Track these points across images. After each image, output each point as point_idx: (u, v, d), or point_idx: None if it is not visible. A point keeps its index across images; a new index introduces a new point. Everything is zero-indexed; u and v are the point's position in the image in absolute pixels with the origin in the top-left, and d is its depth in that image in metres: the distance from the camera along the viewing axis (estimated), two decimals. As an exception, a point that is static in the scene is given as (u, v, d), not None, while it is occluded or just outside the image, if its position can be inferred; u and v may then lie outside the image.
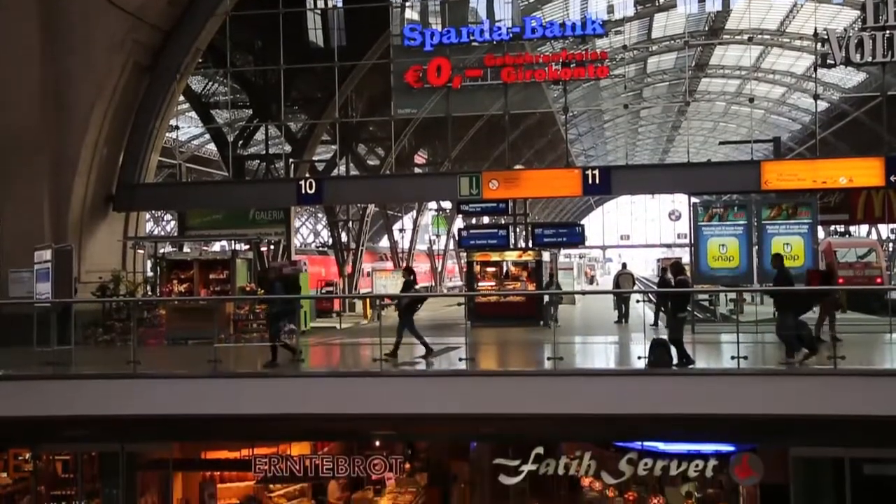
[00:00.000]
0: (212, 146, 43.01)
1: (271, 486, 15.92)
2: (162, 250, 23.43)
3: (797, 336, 12.90)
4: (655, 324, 21.37)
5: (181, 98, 26.49)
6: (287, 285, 15.47)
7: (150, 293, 21.83)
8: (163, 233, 62.93)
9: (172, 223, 60.36)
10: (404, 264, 48.46)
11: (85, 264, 20.35)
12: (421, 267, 56.83)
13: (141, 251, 23.37)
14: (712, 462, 12.78)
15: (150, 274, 23.51)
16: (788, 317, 13.20)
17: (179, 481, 15.36)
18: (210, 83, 32.30)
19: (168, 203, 28.07)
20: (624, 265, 26.03)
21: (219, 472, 15.77)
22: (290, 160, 28.89)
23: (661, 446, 13.28)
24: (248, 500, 15.63)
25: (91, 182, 21.04)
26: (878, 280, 26.59)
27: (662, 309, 17.13)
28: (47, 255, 17.93)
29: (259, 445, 14.55)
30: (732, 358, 12.06)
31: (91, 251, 21.04)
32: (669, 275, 15.47)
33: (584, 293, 34.63)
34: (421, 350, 16.74)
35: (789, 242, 18.63)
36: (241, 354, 17.23)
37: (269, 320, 15.37)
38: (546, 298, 22.55)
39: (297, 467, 14.06)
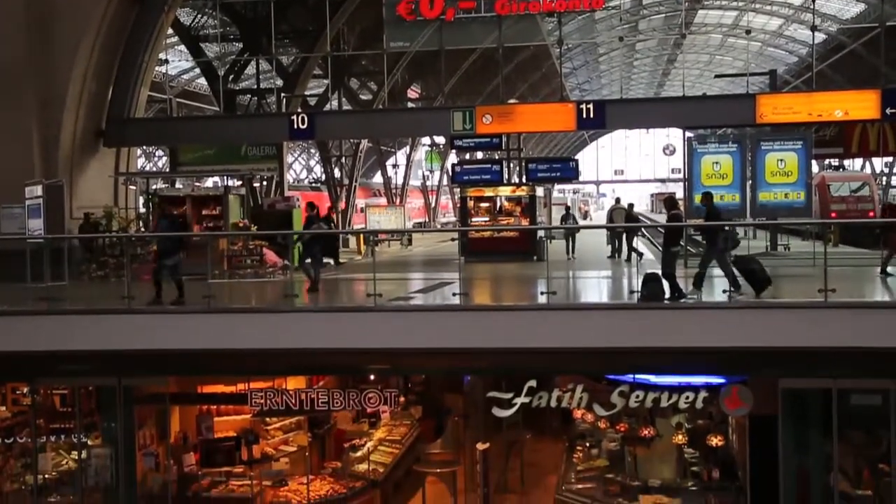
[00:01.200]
0: (202, 81, 42.51)
1: (267, 419, 16.15)
2: (154, 186, 23.30)
3: (749, 270, 12.89)
4: (613, 255, 21.46)
5: (170, 31, 26.07)
6: (173, 222, 15.17)
7: (142, 229, 21.79)
8: (154, 169, 62.61)
9: (164, 159, 60.02)
10: (398, 200, 48.43)
11: (77, 200, 20.27)
12: (414, 203, 56.78)
13: (133, 187, 23.26)
14: (703, 394, 12.95)
15: (142, 210, 23.44)
16: (712, 252, 13.19)
17: (177, 415, 15.56)
18: (199, 15, 31.79)
19: (159, 138, 27.81)
20: (617, 200, 26.00)
21: (215, 406, 15.96)
22: (282, 95, 28.62)
23: (653, 379, 13.44)
24: (245, 433, 15.86)
25: (80, 117, 20.83)
26: (871, 214, 26.66)
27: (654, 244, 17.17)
28: (38, 190, 17.84)
29: (255, 380, 14.69)
30: (724, 291, 12.13)
31: (82, 187, 20.94)
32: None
33: (585, 227, 34.56)
34: (415, 286, 16.87)
35: (783, 158, 18.54)
36: (236, 290, 17.28)
37: (155, 257, 14.86)
38: (540, 233, 22.59)
39: (293, 401, 14.21)
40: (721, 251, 13.48)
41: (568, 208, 28.20)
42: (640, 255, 19.19)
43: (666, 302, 12.48)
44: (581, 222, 47.85)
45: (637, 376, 13.27)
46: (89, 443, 15.02)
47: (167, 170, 33.41)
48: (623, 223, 22.14)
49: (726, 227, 14.03)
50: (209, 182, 33.15)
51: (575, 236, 24.13)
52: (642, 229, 28.24)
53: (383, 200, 49.51)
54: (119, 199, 22.36)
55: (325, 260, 20.26)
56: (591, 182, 78.24)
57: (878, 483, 13.51)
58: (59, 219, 17.77)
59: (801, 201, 18.44)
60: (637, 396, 12.99)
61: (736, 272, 12.94)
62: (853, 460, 14.11)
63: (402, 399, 17.63)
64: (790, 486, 13.13)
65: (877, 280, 16.02)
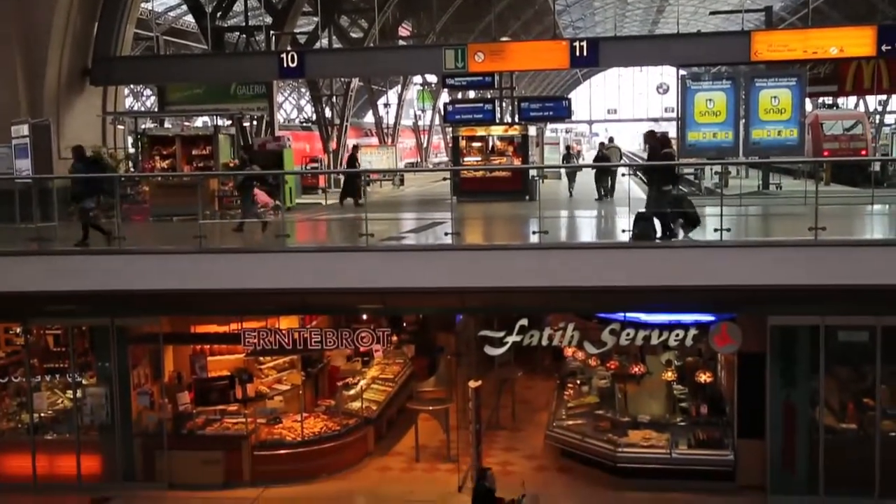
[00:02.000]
0: (189, 18, 41.73)
1: (261, 358, 16.27)
2: (143, 126, 23.03)
3: (682, 212, 12.89)
4: (600, 198, 21.37)
5: (155, -34, 25.54)
6: (89, 165, 14.97)
7: (132, 169, 21.62)
8: (143, 108, 61.87)
9: (152, 98, 59.27)
10: (389, 140, 48.11)
11: (64, 140, 20.04)
12: (406, 143, 56.43)
13: (121, 127, 23.01)
14: (692, 331, 13.07)
15: (131, 150, 23.23)
16: (652, 190, 13.17)
17: (170, 354, 15.66)
18: (185, -50, 31.08)
19: (146, 77, 27.44)
20: (611, 139, 25.88)
21: (209, 346, 16.06)
22: (271, 32, 28.15)
23: (643, 317, 13.54)
24: (239, 372, 15.99)
25: (66, 54, 20.49)
26: (863, 152, 26.60)
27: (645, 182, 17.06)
28: (24, 129, 17.62)
29: (248, 319, 14.75)
30: (715, 230, 12.14)
31: (69, 127, 20.70)
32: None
33: (580, 167, 34.24)
34: (407, 225, 16.83)
35: (777, 96, 18.41)
36: (227, 230, 17.22)
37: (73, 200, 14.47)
38: (532, 173, 22.53)
39: (286, 340, 14.30)
40: (664, 192, 13.42)
41: (569, 148, 28.12)
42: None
43: (657, 241, 12.49)
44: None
45: (628, 315, 13.36)
46: (84, 382, 15.14)
47: (155, 109, 33.03)
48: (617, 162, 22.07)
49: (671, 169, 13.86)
50: (199, 122, 32.86)
51: (575, 175, 24.14)
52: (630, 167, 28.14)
53: (375, 140, 49.16)
54: (107, 139, 22.13)
55: (349, 199, 20.74)
56: (583, 121, 77.73)
57: (862, 417, 13.75)
58: (46, 159, 17.58)
59: (793, 139, 18.33)
60: (628, 334, 13.10)
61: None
62: (838, 395, 14.35)
63: (394, 338, 17.77)
64: (776, 420, 13.37)
65: (867, 218, 16.09)
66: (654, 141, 13.91)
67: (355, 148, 26.88)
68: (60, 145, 19.60)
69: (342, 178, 23.09)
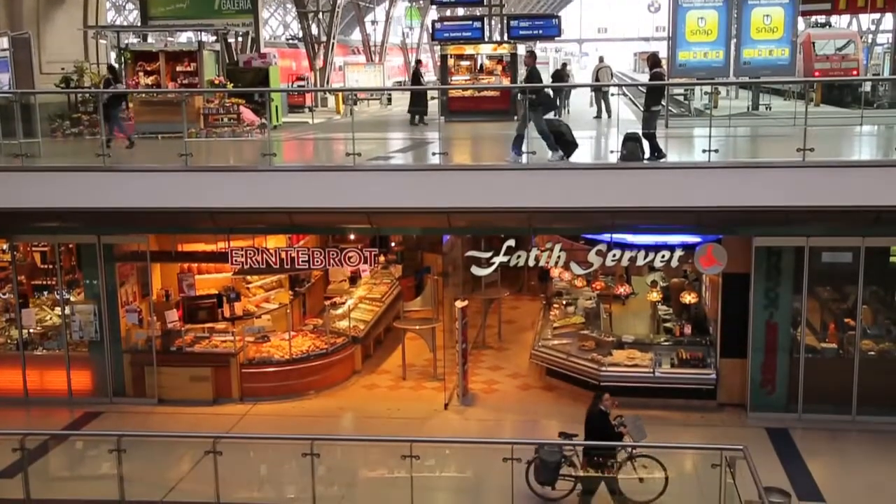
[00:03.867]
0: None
1: (249, 277, 16.32)
2: (126, 41, 22.57)
3: (558, 133, 12.89)
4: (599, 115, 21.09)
5: None
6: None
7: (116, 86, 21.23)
8: (125, 23, 60.53)
9: (135, 13, 57.99)
10: (377, 59, 47.42)
11: (45, 55, 19.67)
12: (394, 61, 55.60)
13: (103, 41, 22.54)
14: (678, 253, 13.13)
15: (115, 65, 22.79)
16: (526, 114, 13.14)
17: (158, 272, 15.68)
18: None
19: (127, -11, 26.77)
20: (601, 59, 25.55)
21: (196, 265, 16.07)
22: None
23: (630, 238, 13.59)
24: (227, 291, 16.05)
25: (44, -36, 19.95)
26: (855, 72, 26.34)
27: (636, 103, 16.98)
28: (4, 42, 17.24)
29: (235, 238, 14.73)
30: (704, 152, 12.11)
31: (50, 41, 20.28)
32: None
33: (572, 87, 33.81)
34: (395, 145, 16.69)
35: (769, 14, 18.14)
36: (213, 148, 17.08)
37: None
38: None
39: (273, 259, 14.30)
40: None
41: (564, 65, 27.66)
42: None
43: (645, 162, 12.46)
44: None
45: (614, 236, 13.41)
46: (72, 299, 15.19)
47: (138, 23, 32.31)
48: (609, 82, 21.84)
49: (546, 91, 13.75)
50: (183, 38, 32.19)
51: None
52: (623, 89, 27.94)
53: (362, 58, 48.39)
54: (90, 54, 21.70)
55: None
56: (573, 41, 76.69)
57: (842, 337, 13.99)
58: (27, 73, 17.26)
59: (785, 59, 18.11)
60: (614, 255, 13.15)
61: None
62: (820, 315, 14.57)
63: (381, 258, 17.82)
64: (758, 340, 13.58)
65: (855, 139, 16.07)
66: (651, 63, 13.92)
67: (418, 63, 26.31)
68: (42, 59, 19.23)
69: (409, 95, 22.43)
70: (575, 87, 30.81)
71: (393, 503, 10.48)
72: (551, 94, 13.64)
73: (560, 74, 26.60)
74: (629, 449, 10.52)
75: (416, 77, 24.19)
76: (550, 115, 13.94)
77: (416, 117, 21.06)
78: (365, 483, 11.94)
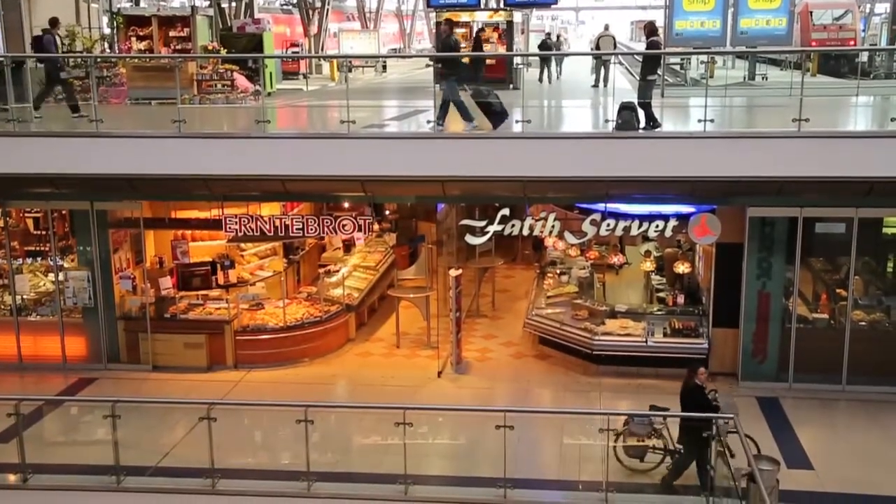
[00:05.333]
0: None
1: (243, 245, 16.30)
2: (118, 5, 22.37)
3: (486, 103, 12.80)
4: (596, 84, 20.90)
5: None
6: None
7: (108, 50, 21.09)
8: (117, -12, 59.85)
9: (127, -23, 57.26)
10: (372, 25, 47.11)
11: (36, 18, 19.45)
12: (389, 28, 55.22)
13: (95, 5, 22.33)
14: (672, 223, 13.13)
15: (106, 31, 22.61)
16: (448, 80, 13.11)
17: (152, 239, 15.66)
18: None
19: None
20: (606, 27, 25.36)
21: (190, 232, 16.05)
22: None
23: (624, 208, 13.59)
24: (221, 258, 16.04)
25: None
26: (852, 42, 26.23)
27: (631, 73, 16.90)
28: (-5, 7, 17.09)
29: (229, 205, 14.69)
30: (699, 121, 12.08)
31: (41, 4, 20.04)
32: None
33: (564, 55, 33.65)
34: (389, 113, 16.59)
35: None
36: (207, 115, 16.99)
37: None
38: (517, 60, 22.11)
39: (268, 227, 14.26)
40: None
41: (549, 34, 27.49)
42: None
43: (640, 131, 12.43)
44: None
45: (608, 205, 13.40)
46: (65, 265, 15.17)
47: (130, -12, 31.92)
48: (612, 51, 21.70)
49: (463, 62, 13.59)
50: (175, 2, 31.91)
51: (552, 62, 23.82)
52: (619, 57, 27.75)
53: (357, 25, 48.02)
54: (81, 18, 21.49)
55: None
56: (569, 8, 76.07)
57: (833, 307, 14.07)
58: (18, 37, 17.11)
59: (782, 29, 18.05)
60: (608, 225, 13.13)
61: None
62: (812, 286, 14.65)
63: (376, 226, 17.82)
64: (751, 309, 13.65)
65: (851, 110, 16.04)
66: (648, 31, 13.86)
67: (480, 31, 25.87)
68: (33, 24, 19.05)
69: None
70: (562, 55, 30.63)
71: (386, 469, 10.55)
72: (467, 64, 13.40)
73: (546, 44, 26.56)
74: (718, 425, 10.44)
75: (478, 44, 23.56)
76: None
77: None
78: (359, 449, 12.02)
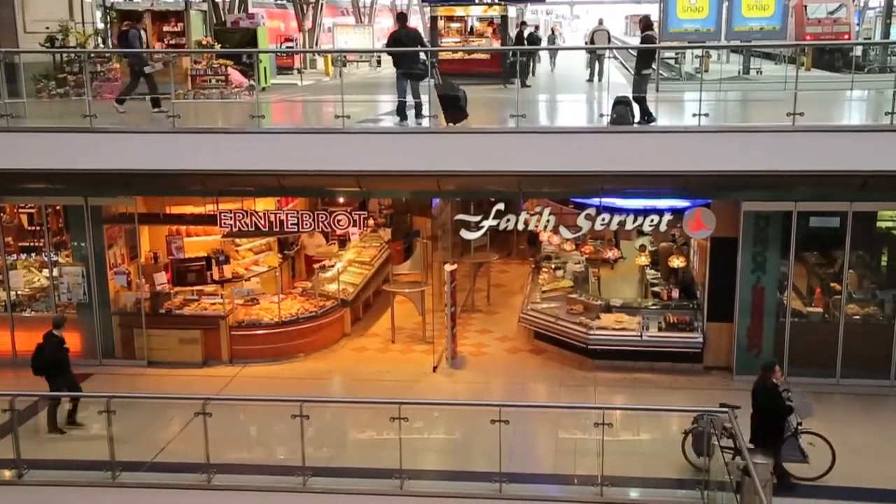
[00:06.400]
0: None
1: (237, 240, 16.29)
2: (111, 0, 22.26)
3: (452, 97, 12.69)
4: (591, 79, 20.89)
5: None
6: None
7: (101, 45, 21.02)
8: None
9: (120, -28, 56.96)
10: (367, 20, 47.02)
11: (29, 13, 19.37)
12: (383, 22, 55.08)
13: (89, 0, 22.21)
14: (667, 217, 13.14)
15: (100, 25, 22.52)
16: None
17: (146, 235, 15.65)
18: None
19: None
20: (600, 21, 25.33)
21: (185, 227, 16.02)
22: None
23: (619, 202, 13.61)
24: (216, 253, 16.02)
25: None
26: (846, 36, 26.23)
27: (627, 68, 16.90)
28: (-13, 1, 17.00)
29: (224, 201, 14.67)
30: (694, 115, 12.08)
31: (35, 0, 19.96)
32: None
33: (556, 49, 33.66)
34: (384, 108, 16.50)
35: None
36: (201, 110, 16.94)
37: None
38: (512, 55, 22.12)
39: (263, 222, 14.23)
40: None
41: (536, 27, 27.56)
42: None
43: (635, 125, 12.43)
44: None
45: (603, 200, 13.42)
46: (60, 261, 15.13)
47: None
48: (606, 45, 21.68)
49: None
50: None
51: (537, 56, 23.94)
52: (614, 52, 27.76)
53: (351, 20, 47.90)
54: (74, 13, 21.40)
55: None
56: (564, 2, 75.94)
57: (828, 301, 14.10)
58: (11, 32, 17.03)
59: (776, 33, 18.17)
60: (603, 219, 13.14)
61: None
62: (807, 280, 14.69)
63: (371, 221, 17.82)
64: (745, 303, 13.68)
65: (845, 104, 16.05)
66: (643, 26, 13.87)
67: (523, 24, 25.70)
68: (26, 19, 18.96)
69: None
70: (556, 49, 30.61)
71: (382, 464, 10.55)
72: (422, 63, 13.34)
73: (531, 37, 26.70)
74: (795, 424, 10.39)
75: (520, 38, 23.33)
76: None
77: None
78: (354, 444, 12.04)
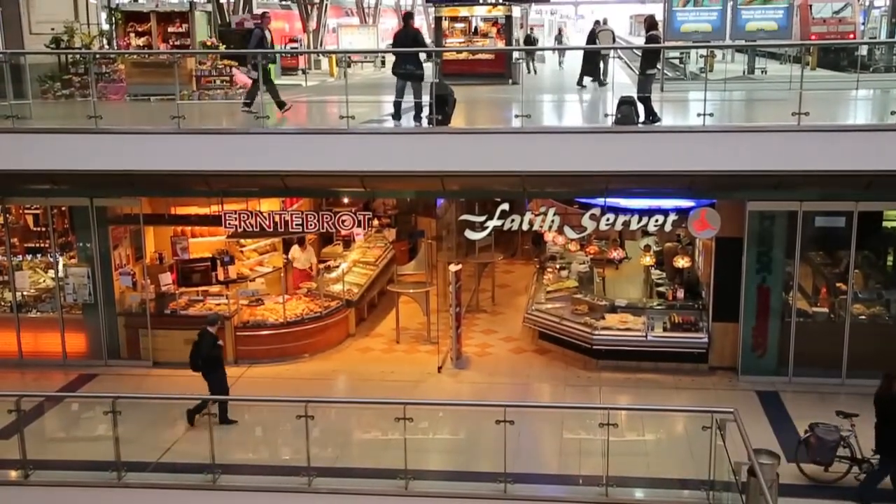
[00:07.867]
0: None
1: (242, 241, 16.31)
2: (116, 1, 22.32)
3: (442, 97, 12.62)
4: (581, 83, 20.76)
5: None
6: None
7: (106, 46, 21.06)
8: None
9: (125, -27, 57.08)
10: (371, 21, 47.05)
11: (34, 14, 19.40)
12: (388, 23, 55.09)
13: (94, 1, 22.25)
14: (672, 217, 13.12)
15: (105, 27, 22.56)
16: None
17: (151, 236, 15.67)
18: None
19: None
20: (605, 20, 25.28)
21: (190, 228, 16.04)
22: None
23: (623, 202, 13.59)
24: (221, 254, 16.03)
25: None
26: (851, 36, 26.18)
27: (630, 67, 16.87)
28: (-7, 3, 17.04)
29: (228, 201, 14.69)
30: (699, 115, 12.06)
31: (39, 0, 19.99)
32: None
33: (558, 49, 33.69)
34: (389, 108, 16.52)
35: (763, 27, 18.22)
36: (205, 111, 16.97)
37: None
38: (515, 55, 22.14)
39: (267, 223, 14.24)
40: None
41: (532, 29, 28.03)
42: None
43: (639, 125, 12.40)
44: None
45: (608, 200, 13.40)
46: (65, 262, 15.16)
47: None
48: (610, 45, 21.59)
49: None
50: (174, -2, 31.81)
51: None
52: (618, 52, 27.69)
53: (356, 20, 47.93)
54: (80, 15, 21.43)
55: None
56: (568, 2, 75.87)
57: (833, 301, 14.07)
58: (16, 33, 17.06)
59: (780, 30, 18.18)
60: (608, 219, 13.12)
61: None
62: (812, 280, 14.65)
63: (375, 222, 17.82)
64: (750, 303, 13.66)
65: (851, 104, 16.01)
66: (648, 25, 13.81)
67: (596, 23, 25.47)
68: (31, 20, 19.00)
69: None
70: (560, 49, 30.57)
71: (387, 464, 10.56)
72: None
73: (528, 39, 26.99)
74: None
75: (592, 37, 23.00)
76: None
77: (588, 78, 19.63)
78: (359, 444, 12.04)
